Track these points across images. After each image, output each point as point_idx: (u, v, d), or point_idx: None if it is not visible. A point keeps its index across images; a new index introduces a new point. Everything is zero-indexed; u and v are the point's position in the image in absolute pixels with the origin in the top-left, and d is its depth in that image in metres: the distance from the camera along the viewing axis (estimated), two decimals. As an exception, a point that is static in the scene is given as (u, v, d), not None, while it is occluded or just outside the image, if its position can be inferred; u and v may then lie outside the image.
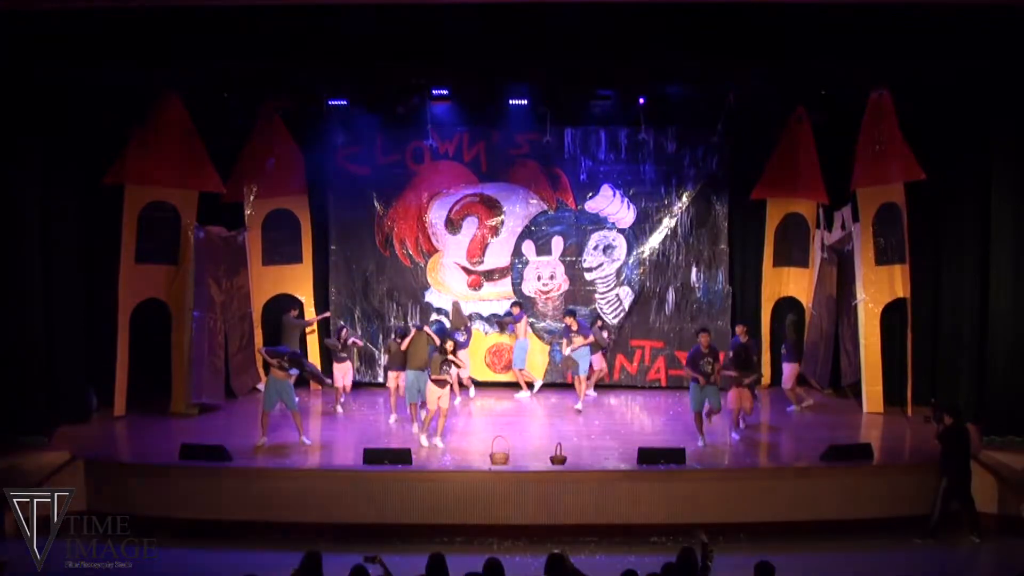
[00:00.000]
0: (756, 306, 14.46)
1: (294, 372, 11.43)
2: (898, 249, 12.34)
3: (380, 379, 14.23)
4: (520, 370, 13.94)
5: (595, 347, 13.47)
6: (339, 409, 12.95)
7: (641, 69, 12.04)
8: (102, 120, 12.20)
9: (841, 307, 13.60)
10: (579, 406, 12.97)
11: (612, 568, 7.33)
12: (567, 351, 13.21)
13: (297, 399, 11.48)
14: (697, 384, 10.95)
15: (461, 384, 13.56)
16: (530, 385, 14.06)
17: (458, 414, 12.60)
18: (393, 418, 12.43)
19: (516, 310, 13.94)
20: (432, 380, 11.02)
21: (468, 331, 13.68)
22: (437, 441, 11.03)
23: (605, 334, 13.77)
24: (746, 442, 11.35)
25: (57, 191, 11.51)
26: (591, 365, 13.41)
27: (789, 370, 13.09)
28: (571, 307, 13.81)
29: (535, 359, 14.33)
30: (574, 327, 12.99)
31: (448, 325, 13.50)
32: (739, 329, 12.64)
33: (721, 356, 11.31)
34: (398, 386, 12.36)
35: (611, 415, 13.09)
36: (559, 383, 14.29)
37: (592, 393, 13.75)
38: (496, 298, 14.50)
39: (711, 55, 11.01)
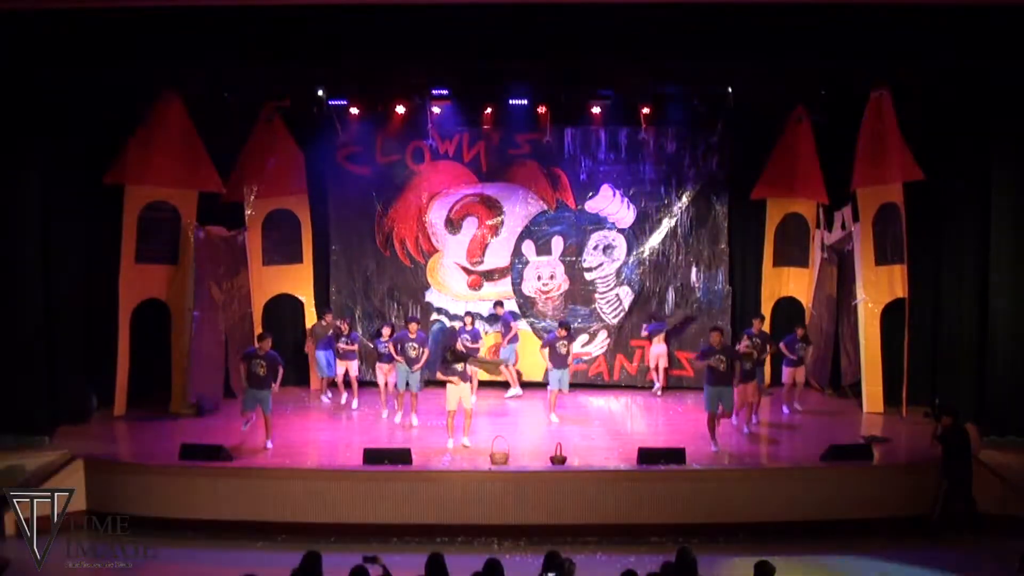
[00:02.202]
0: (756, 306, 14.45)
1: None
2: (897, 249, 12.34)
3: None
4: (506, 365, 13.87)
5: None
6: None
7: (641, 69, 12.05)
8: (102, 120, 12.20)
9: (841, 307, 13.59)
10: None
11: (612, 568, 7.33)
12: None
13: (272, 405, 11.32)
14: (711, 385, 10.94)
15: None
16: (508, 385, 14.04)
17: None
18: (385, 413, 12.52)
19: (500, 310, 14.00)
20: (446, 379, 10.98)
21: (475, 331, 13.54)
22: (465, 440, 10.98)
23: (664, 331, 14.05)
24: (746, 442, 11.36)
25: (57, 191, 11.49)
26: (658, 362, 13.94)
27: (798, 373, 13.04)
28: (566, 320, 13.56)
29: (535, 360, 14.31)
30: (561, 335, 12.56)
31: (448, 325, 13.46)
32: (755, 322, 12.62)
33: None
34: (387, 383, 12.49)
35: (611, 415, 13.08)
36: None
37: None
38: (496, 298, 14.47)
39: (710, 55, 11.00)
